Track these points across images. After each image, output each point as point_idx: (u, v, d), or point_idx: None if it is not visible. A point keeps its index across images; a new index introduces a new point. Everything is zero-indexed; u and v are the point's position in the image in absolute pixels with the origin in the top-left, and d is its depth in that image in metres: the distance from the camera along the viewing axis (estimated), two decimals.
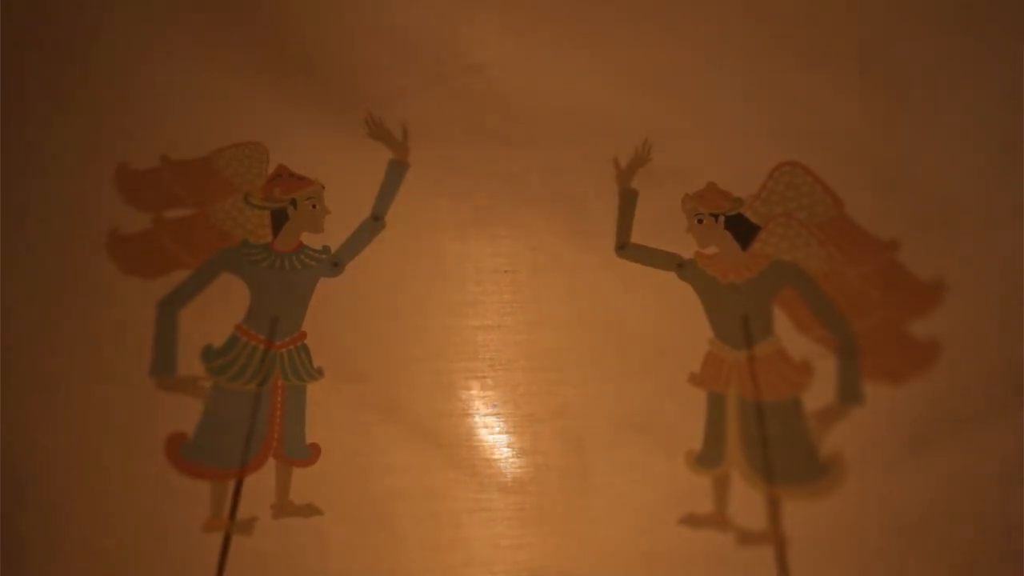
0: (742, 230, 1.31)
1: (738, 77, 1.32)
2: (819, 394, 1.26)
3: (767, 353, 1.28)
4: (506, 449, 1.27)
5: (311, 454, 1.27)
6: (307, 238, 1.33)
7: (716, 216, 1.31)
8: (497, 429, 1.28)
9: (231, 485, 1.26)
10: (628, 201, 1.32)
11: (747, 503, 1.25)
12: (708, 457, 1.26)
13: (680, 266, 1.31)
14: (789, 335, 1.29)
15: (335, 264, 1.31)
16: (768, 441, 1.26)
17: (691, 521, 1.25)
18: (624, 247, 1.32)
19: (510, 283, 1.31)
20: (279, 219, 1.33)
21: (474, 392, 1.28)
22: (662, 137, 1.33)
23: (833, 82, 1.31)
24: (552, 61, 1.33)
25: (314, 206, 1.33)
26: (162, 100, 1.34)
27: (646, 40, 1.33)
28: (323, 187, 1.33)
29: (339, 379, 1.29)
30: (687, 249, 1.32)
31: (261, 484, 1.26)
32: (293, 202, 1.33)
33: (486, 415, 1.28)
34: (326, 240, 1.33)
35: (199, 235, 1.31)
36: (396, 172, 1.33)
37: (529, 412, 1.28)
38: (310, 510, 1.26)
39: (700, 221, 1.31)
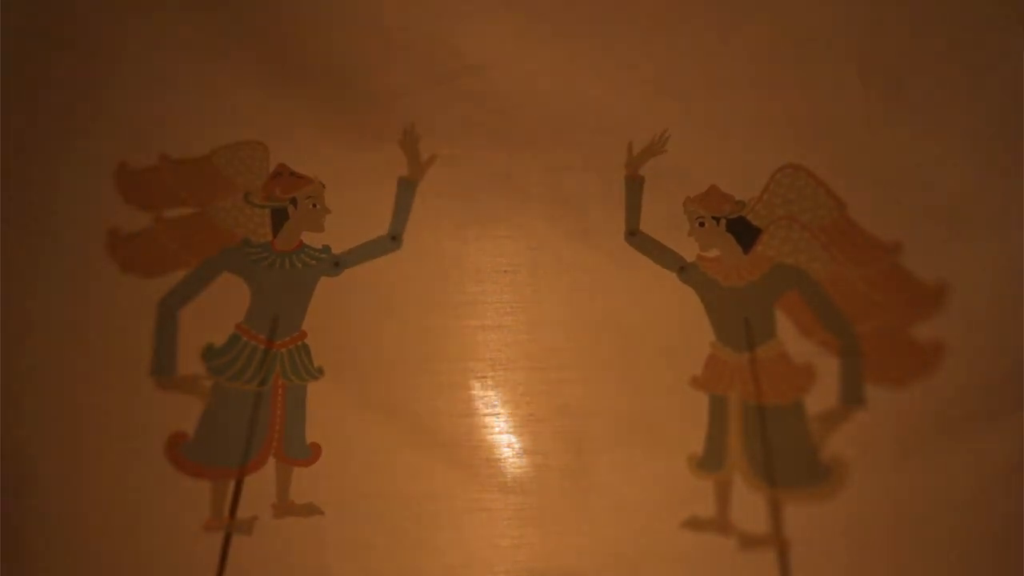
0: (744, 233, 1.31)
1: (739, 78, 1.32)
2: (821, 397, 1.26)
3: (769, 356, 1.28)
4: (506, 449, 1.27)
5: (311, 453, 1.28)
6: (308, 237, 1.33)
7: (717, 219, 1.31)
8: (497, 429, 1.28)
9: (231, 484, 1.26)
10: (633, 188, 1.32)
11: (749, 506, 1.25)
12: (710, 461, 1.26)
13: (682, 269, 1.30)
14: (791, 338, 1.29)
15: (336, 264, 1.31)
16: (770, 444, 1.26)
17: (693, 524, 1.25)
18: (634, 234, 1.31)
19: (510, 283, 1.31)
20: (279, 218, 1.33)
21: (474, 392, 1.29)
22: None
23: (834, 81, 1.31)
24: (552, 61, 1.33)
25: (315, 205, 1.33)
26: (163, 99, 1.33)
27: (647, 40, 1.33)
28: (323, 186, 1.33)
29: (339, 379, 1.29)
30: (688, 252, 1.32)
31: (261, 483, 1.27)
32: (293, 201, 1.33)
33: (486, 415, 1.28)
34: (326, 239, 1.33)
35: (199, 234, 1.31)
36: (407, 190, 1.33)
37: (529, 412, 1.28)
38: (310, 509, 1.26)
39: (701, 224, 1.31)
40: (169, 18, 1.34)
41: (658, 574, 1.24)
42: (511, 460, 1.27)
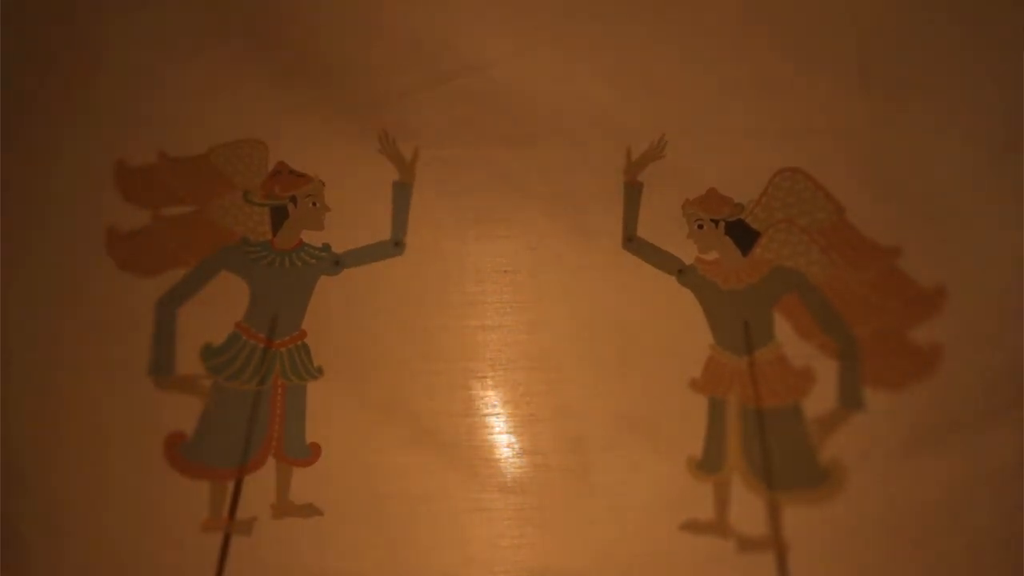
0: (743, 236, 1.31)
1: (738, 78, 1.32)
2: (819, 399, 1.26)
3: (768, 359, 1.28)
4: (506, 449, 1.27)
5: (311, 453, 1.28)
6: (307, 236, 1.33)
7: (716, 222, 1.31)
8: (497, 429, 1.28)
9: (231, 485, 1.26)
10: (632, 194, 1.32)
11: (748, 508, 1.25)
12: (709, 463, 1.26)
13: (680, 272, 1.30)
14: (790, 340, 1.29)
15: (336, 263, 1.31)
16: (769, 447, 1.26)
17: (692, 527, 1.25)
18: (631, 240, 1.31)
19: (510, 283, 1.31)
20: (279, 216, 1.33)
21: (474, 392, 1.28)
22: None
23: (833, 83, 1.30)
24: (552, 61, 1.32)
25: (314, 203, 1.32)
26: (162, 97, 1.33)
27: (647, 41, 1.32)
28: (323, 184, 1.33)
29: (339, 378, 1.29)
30: (687, 255, 1.31)
31: (261, 484, 1.27)
32: (293, 199, 1.32)
33: (486, 415, 1.28)
34: (326, 238, 1.32)
35: (198, 233, 1.31)
36: (403, 194, 1.33)
37: (529, 412, 1.28)
38: (310, 510, 1.26)
39: (700, 227, 1.31)
40: (169, 17, 1.34)
41: (657, 573, 1.24)
42: (511, 460, 1.27)
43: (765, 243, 1.31)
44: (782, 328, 1.29)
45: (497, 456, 1.27)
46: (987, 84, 1.29)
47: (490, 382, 1.29)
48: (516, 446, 1.28)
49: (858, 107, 1.30)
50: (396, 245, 1.32)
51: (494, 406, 1.28)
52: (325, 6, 1.33)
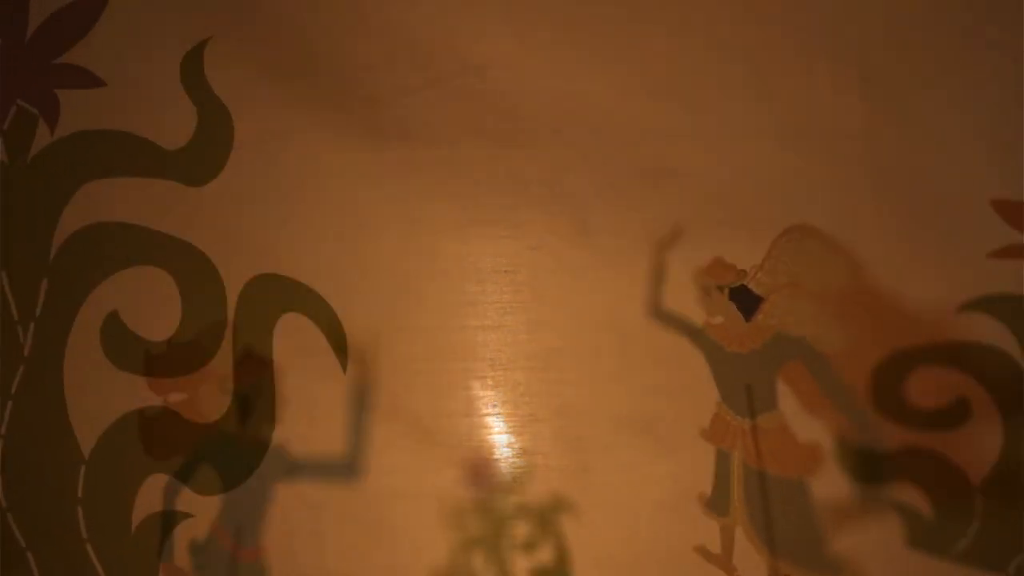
0: (746, 301, 1.29)
1: (738, 77, 1.31)
2: (830, 483, 1.23)
3: (770, 427, 1.25)
4: (506, 449, 1.28)
5: None
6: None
7: (721, 288, 1.29)
8: (497, 429, 1.28)
9: None
10: (659, 273, 1.30)
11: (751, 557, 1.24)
12: (717, 504, 1.25)
13: (694, 335, 1.29)
14: (797, 413, 1.25)
15: (288, 471, 1.28)
16: (771, 513, 1.24)
17: (701, 554, 1.25)
18: (657, 313, 1.30)
19: (510, 283, 1.31)
20: (244, 406, 1.30)
21: (474, 392, 1.29)
22: (661, 137, 1.31)
23: (833, 82, 1.30)
24: (552, 61, 1.33)
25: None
26: (163, 100, 1.34)
27: (646, 40, 1.32)
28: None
29: (339, 378, 1.30)
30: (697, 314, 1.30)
31: None
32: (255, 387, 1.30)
33: (486, 415, 1.28)
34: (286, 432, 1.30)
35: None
36: (361, 402, 1.29)
37: (529, 412, 1.28)
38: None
39: (707, 293, 1.29)
40: (171, 18, 1.34)
41: (656, 572, 1.25)
42: (511, 460, 1.28)
43: (768, 309, 1.28)
44: (788, 400, 1.26)
45: (497, 456, 1.28)
46: (987, 84, 1.28)
47: (490, 382, 1.29)
48: (516, 446, 1.28)
49: (858, 107, 1.29)
50: (349, 468, 1.28)
51: (494, 406, 1.29)
52: (327, 8, 1.34)
